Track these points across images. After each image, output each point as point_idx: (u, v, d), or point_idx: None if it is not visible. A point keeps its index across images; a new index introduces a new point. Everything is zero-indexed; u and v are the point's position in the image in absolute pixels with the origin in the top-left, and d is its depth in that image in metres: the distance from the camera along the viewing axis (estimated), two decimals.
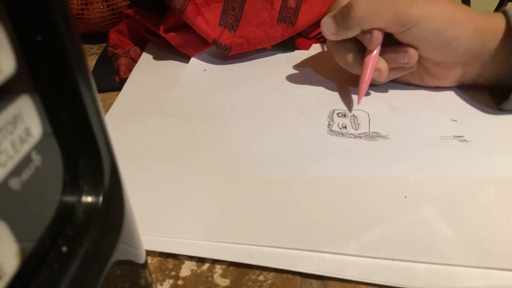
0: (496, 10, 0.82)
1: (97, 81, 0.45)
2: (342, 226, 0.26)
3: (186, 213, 0.28)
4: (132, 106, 0.41)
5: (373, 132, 0.34)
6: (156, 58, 0.49)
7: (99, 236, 0.15)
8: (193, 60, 0.47)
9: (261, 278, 0.25)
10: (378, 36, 0.35)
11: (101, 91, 0.45)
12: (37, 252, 0.12)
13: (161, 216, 0.28)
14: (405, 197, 0.28)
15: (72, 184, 0.14)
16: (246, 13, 0.45)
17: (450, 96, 0.38)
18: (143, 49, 0.51)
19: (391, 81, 0.40)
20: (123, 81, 0.45)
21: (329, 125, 0.36)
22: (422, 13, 0.33)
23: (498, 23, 0.33)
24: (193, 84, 0.44)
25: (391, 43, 0.36)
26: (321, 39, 0.49)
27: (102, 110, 0.14)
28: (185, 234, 0.27)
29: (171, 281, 0.25)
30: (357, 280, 0.24)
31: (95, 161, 0.15)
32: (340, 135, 0.34)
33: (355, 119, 0.36)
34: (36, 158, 0.12)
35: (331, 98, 0.39)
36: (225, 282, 0.25)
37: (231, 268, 0.25)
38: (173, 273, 0.26)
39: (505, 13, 0.33)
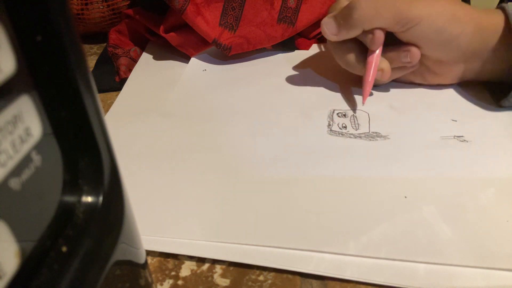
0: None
1: (97, 81, 0.45)
2: (342, 226, 0.26)
3: (186, 213, 0.28)
4: (132, 106, 0.41)
5: (373, 132, 0.34)
6: (156, 58, 0.49)
7: (99, 236, 0.15)
8: (193, 60, 0.47)
9: (261, 278, 0.25)
10: (380, 36, 0.35)
11: (101, 91, 0.45)
12: (37, 252, 0.12)
13: (161, 216, 0.28)
14: (405, 197, 0.28)
15: (72, 184, 0.14)
16: (246, 13, 0.45)
17: (450, 96, 0.38)
18: (143, 49, 0.51)
19: (392, 81, 0.40)
20: (123, 81, 0.45)
21: (329, 125, 0.36)
22: (423, 13, 0.33)
23: (498, 20, 0.33)
24: (193, 84, 0.44)
25: (392, 42, 0.36)
26: (322, 39, 0.49)
27: (102, 110, 0.14)
28: (185, 234, 0.27)
29: (171, 281, 0.25)
30: (357, 280, 0.24)
31: (95, 161, 0.15)
32: (340, 135, 0.34)
33: (355, 119, 0.36)
34: (36, 158, 0.12)
35: (331, 98, 0.39)
36: (225, 282, 0.25)
37: (231, 268, 0.25)
38: (173, 273, 0.26)
39: (503, 10, 0.34)
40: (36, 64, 0.12)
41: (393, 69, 0.37)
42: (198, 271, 0.25)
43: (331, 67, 0.43)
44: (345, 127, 0.35)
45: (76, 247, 0.13)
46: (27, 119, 0.12)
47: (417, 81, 0.39)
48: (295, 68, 0.44)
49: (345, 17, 0.35)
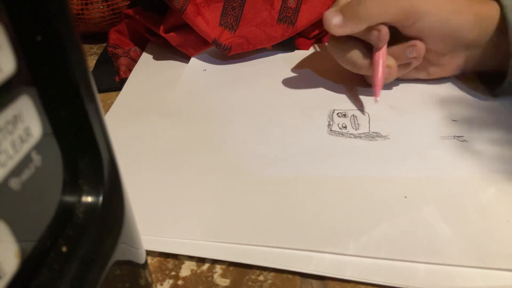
0: None
1: (97, 81, 0.45)
2: (342, 226, 0.26)
3: (186, 213, 0.28)
4: (132, 106, 0.41)
5: (373, 132, 0.34)
6: (156, 58, 0.49)
7: (99, 236, 0.15)
8: (193, 60, 0.47)
9: (261, 278, 0.25)
10: (387, 32, 0.35)
11: (101, 91, 0.45)
12: (37, 252, 0.12)
13: (161, 216, 0.28)
14: (405, 197, 0.28)
15: (72, 184, 0.14)
16: (246, 13, 0.45)
17: (451, 97, 0.38)
18: (143, 49, 0.51)
19: (395, 79, 0.40)
20: (123, 81, 0.45)
21: (329, 125, 0.36)
22: (428, 6, 0.34)
23: (494, 10, 0.34)
24: (193, 84, 0.44)
25: (391, 40, 0.36)
26: (322, 39, 0.49)
27: (102, 110, 0.14)
28: (185, 234, 0.27)
29: (171, 281, 0.25)
30: (357, 280, 0.24)
31: (95, 161, 0.15)
32: (340, 135, 0.34)
33: (355, 119, 0.36)
34: (36, 158, 0.12)
35: (331, 98, 0.39)
36: (225, 282, 0.25)
37: (231, 268, 0.25)
38: (173, 273, 0.26)
39: (497, 1, 0.34)
40: (36, 64, 0.12)
41: (398, 66, 0.37)
42: (198, 271, 0.25)
43: (331, 67, 0.43)
44: (345, 127, 0.35)
45: (76, 247, 0.13)
46: (27, 119, 0.12)
47: (420, 76, 0.39)
48: (295, 68, 0.44)
49: (352, 11, 0.34)
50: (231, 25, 0.45)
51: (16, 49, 0.11)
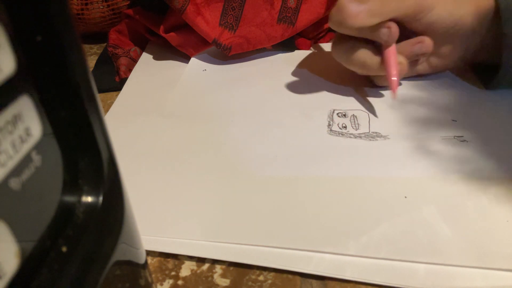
0: None
1: (97, 81, 0.45)
2: (342, 226, 0.26)
3: (186, 213, 0.28)
4: (132, 106, 0.41)
5: (373, 132, 0.34)
6: (156, 58, 0.49)
7: (99, 236, 0.15)
8: (193, 60, 0.47)
9: (261, 278, 0.25)
10: (397, 28, 0.35)
11: (101, 91, 0.45)
12: (37, 252, 0.12)
13: (161, 216, 0.28)
14: (405, 197, 0.28)
15: (72, 184, 0.14)
16: (246, 13, 0.45)
17: (451, 96, 0.38)
18: (143, 49, 0.51)
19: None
20: (123, 81, 0.45)
21: (329, 125, 0.36)
22: None
23: (490, 1, 0.35)
24: (193, 84, 0.44)
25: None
26: (322, 40, 0.49)
27: (102, 110, 0.14)
28: (185, 234, 0.27)
29: (171, 281, 0.25)
30: (357, 280, 0.24)
31: (95, 161, 0.15)
32: (340, 135, 0.34)
33: (355, 119, 0.36)
34: (36, 158, 0.12)
35: (331, 98, 0.39)
36: (225, 282, 0.25)
37: (231, 268, 0.25)
38: (173, 273, 0.26)
39: None
40: (36, 64, 0.12)
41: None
42: (198, 271, 0.25)
43: (331, 67, 0.43)
44: (345, 127, 0.35)
45: (76, 247, 0.13)
46: (27, 119, 0.12)
47: (426, 72, 0.39)
48: (295, 68, 0.44)
49: (370, 4, 0.34)
50: (231, 25, 0.45)
51: (16, 49, 0.11)
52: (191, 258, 0.26)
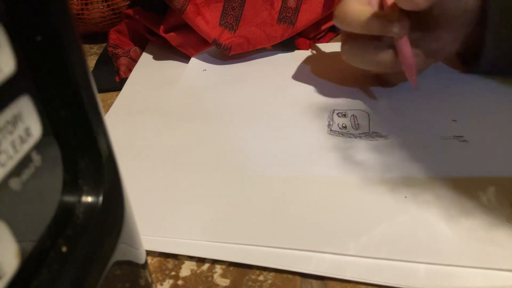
0: None
1: (97, 81, 0.45)
2: (342, 226, 0.26)
3: (186, 213, 0.28)
4: (132, 106, 0.41)
5: (373, 132, 0.34)
6: (156, 58, 0.49)
7: (99, 236, 0.15)
8: (193, 60, 0.47)
9: (261, 278, 0.25)
10: (406, 19, 0.33)
11: (101, 91, 0.45)
12: (37, 252, 0.12)
13: (161, 216, 0.28)
14: (405, 197, 0.28)
15: (72, 184, 0.14)
16: (246, 13, 0.45)
17: (451, 96, 0.38)
18: (143, 49, 0.51)
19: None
20: (123, 81, 0.45)
21: (329, 125, 0.36)
22: None
23: None
24: (193, 84, 0.44)
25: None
26: (321, 40, 0.49)
27: (102, 110, 0.14)
28: (185, 234, 0.27)
29: (171, 281, 0.25)
30: (357, 280, 0.24)
31: (95, 161, 0.15)
32: (340, 135, 0.34)
33: (355, 119, 0.36)
34: (36, 158, 0.12)
35: (331, 98, 0.39)
36: (225, 282, 0.25)
37: (231, 268, 0.25)
38: (173, 273, 0.26)
39: None
40: (36, 64, 0.12)
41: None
42: (198, 271, 0.25)
43: (331, 67, 0.43)
44: (345, 127, 0.35)
45: (76, 247, 0.13)
46: (27, 119, 0.12)
47: (436, 61, 0.39)
48: (295, 68, 0.44)
49: None
50: (231, 25, 0.45)
51: (16, 49, 0.11)
52: (191, 258, 0.26)
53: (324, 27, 0.48)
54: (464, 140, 0.33)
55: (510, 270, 0.23)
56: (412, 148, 0.32)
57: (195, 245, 0.26)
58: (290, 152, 0.33)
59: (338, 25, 0.35)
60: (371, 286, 0.24)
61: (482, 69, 0.38)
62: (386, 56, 0.35)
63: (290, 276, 0.25)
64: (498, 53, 0.36)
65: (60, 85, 0.13)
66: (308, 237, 0.26)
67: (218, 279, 0.25)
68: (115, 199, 0.16)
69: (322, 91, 0.40)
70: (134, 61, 0.49)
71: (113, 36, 0.51)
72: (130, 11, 0.50)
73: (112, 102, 0.42)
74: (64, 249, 0.13)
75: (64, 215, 0.14)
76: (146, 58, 0.49)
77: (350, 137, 0.34)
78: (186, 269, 0.26)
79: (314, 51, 0.47)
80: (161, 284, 0.25)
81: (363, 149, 0.33)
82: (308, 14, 0.45)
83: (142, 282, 0.19)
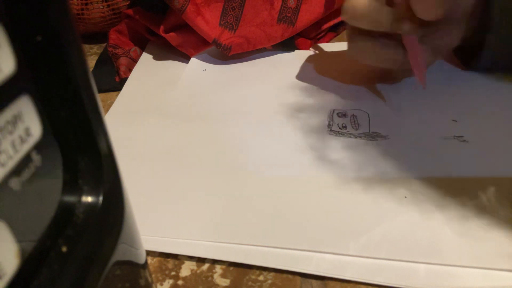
0: None
1: (97, 81, 0.45)
2: (342, 226, 0.26)
3: (186, 213, 0.28)
4: (132, 106, 0.41)
5: (373, 132, 0.34)
6: (156, 58, 0.49)
7: (99, 236, 0.15)
8: (193, 60, 0.47)
9: (261, 278, 0.25)
10: (415, 16, 0.33)
11: (101, 91, 0.45)
12: (37, 252, 0.12)
13: (161, 216, 0.28)
14: (405, 197, 0.28)
15: (72, 184, 0.14)
16: (246, 13, 0.45)
17: (451, 96, 0.38)
18: (143, 49, 0.51)
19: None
20: (123, 81, 0.45)
21: (329, 125, 0.36)
22: None
23: None
24: (193, 84, 0.44)
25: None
26: (321, 40, 0.49)
27: (102, 110, 0.14)
28: (185, 234, 0.27)
29: (171, 281, 0.25)
30: (357, 280, 0.24)
31: (95, 161, 0.15)
32: (340, 135, 0.34)
33: (355, 119, 0.36)
34: (36, 158, 0.12)
35: (331, 98, 0.39)
36: (225, 282, 0.25)
37: (231, 268, 0.25)
38: (173, 273, 0.26)
39: None
40: (36, 64, 0.12)
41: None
42: (198, 271, 0.25)
43: (332, 67, 0.43)
44: (345, 127, 0.35)
45: (76, 247, 0.13)
46: (27, 119, 0.12)
47: (442, 56, 0.39)
48: (295, 68, 0.44)
49: None
50: (231, 25, 0.45)
51: (16, 49, 0.11)
52: (191, 258, 0.26)
53: (324, 27, 0.48)
54: (464, 140, 0.33)
55: (510, 270, 0.23)
56: (412, 148, 0.32)
57: (195, 245, 0.26)
58: (290, 152, 0.33)
59: (346, 20, 0.35)
60: (371, 286, 0.24)
61: (482, 65, 0.38)
62: (394, 53, 0.35)
63: (290, 276, 0.25)
64: (499, 48, 0.36)
65: (60, 85, 0.13)
66: (308, 237, 0.26)
67: (218, 279, 0.25)
68: (115, 199, 0.16)
69: (322, 91, 0.40)
70: (134, 61, 0.49)
71: (113, 36, 0.51)
72: (130, 11, 0.50)
73: (112, 102, 0.42)
74: (64, 249, 0.13)
75: (64, 215, 0.14)
76: (146, 58, 0.49)
77: (350, 137, 0.34)
78: (186, 269, 0.26)
79: (314, 51, 0.47)
80: (161, 284, 0.25)
81: (363, 149, 0.33)
82: (308, 14, 0.45)
83: (142, 282, 0.19)
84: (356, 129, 0.35)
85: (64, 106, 0.13)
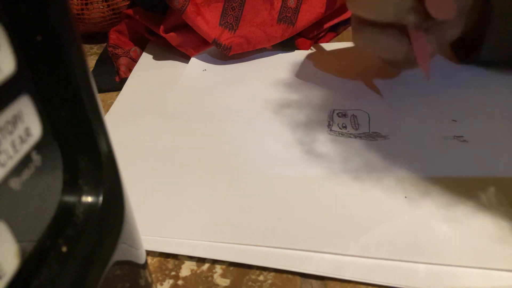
0: None
1: (97, 81, 0.45)
2: (342, 226, 0.26)
3: (186, 213, 0.28)
4: (132, 106, 0.41)
5: (373, 132, 0.34)
6: (156, 58, 0.49)
7: (99, 236, 0.15)
8: (193, 60, 0.47)
9: (261, 278, 0.25)
10: (421, 7, 0.33)
11: (101, 91, 0.45)
12: (37, 252, 0.12)
13: (161, 216, 0.28)
14: (405, 197, 0.28)
15: (72, 184, 0.14)
16: (246, 13, 0.45)
17: (451, 96, 0.38)
18: (143, 49, 0.51)
19: (395, 78, 0.40)
20: (123, 81, 0.45)
21: (329, 125, 0.36)
22: None
23: None
24: (193, 84, 0.44)
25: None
26: (321, 39, 0.49)
27: (102, 110, 0.14)
28: (185, 234, 0.27)
29: (171, 281, 0.25)
30: (357, 280, 0.24)
31: (95, 161, 0.15)
32: (340, 135, 0.34)
33: (355, 119, 0.36)
34: (36, 158, 0.12)
35: (331, 98, 0.39)
36: (225, 282, 0.25)
37: (231, 268, 0.25)
38: (173, 273, 0.26)
39: None
40: (36, 64, 0.12)
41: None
42: (198, 271, 0.25)
43: (332, 67, 0.43)
44: (345, 127, 0.35)
45: (76, 247, 0.13)
46: (27, 119, 0.12)
47: (441, 49, 0.38)
48: (295, 68, 0.44)
49: None
50: (231, 25, 0.45)
51: (16, 49, 0.11)
52: (191, 258, 0.26)
53: (324, 27, 0.48)
54: (464, 140, 0.33)
55: (510, 270, 0.23)
56: (412, 148, 0.32)
57: (195, 245, 0.26)
58: (290, 152, 0.33)
59: (351, 10, 0.35)
60: (371, 286, 0.24)
61: (481, 59, 0.38)
62: (398, 43, 0.35)
63: (290, 276, 0.25)
64: (498, 42, 0.36)
65: (60, 85, 0.13)
66: (308, 237, 0.26)
67: (218, 279, 0.25)
68: (115, 199, 0.16)
69: (322, 91, 0.40)
70: (134, 61, 0.49)
71: (113, 36, 0.51)
72: (130, 11, 0.50)
73: (112, 102, 0.42)
74: (64, 249, 0.13)
75: (64, 215, 0.14)
76: (146, 58, 0.49)
77: (350, 137, 0.34)
78: (186, 269, 0.26)
79: (314, 51, 0.47)
80: (161, 284, 0.25)
81: (363, 149, 0.33)
82: (308, 14, 0.45)
83: (142, 282, 0.19)
84: (356, 129, 0.35)
85: (64, 106, 0.13)
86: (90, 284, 0.14)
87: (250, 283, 0.25)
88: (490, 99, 0.37)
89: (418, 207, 0.27)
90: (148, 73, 0.46)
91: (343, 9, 0.48)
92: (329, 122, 0.36)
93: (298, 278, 0.25)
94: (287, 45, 0.48)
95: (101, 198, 0.15)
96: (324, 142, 0.34)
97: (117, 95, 0.43)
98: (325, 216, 0.27)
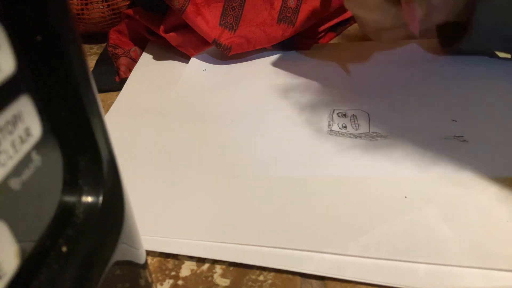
0: None
1: (97, 81, 0.45)
2: (342, 226, 0.26)
3: (186, 213, 0.28)
4: (132, 106, 0.41)
5: (373, 132, 0.34)
6: (156, 58, 0.49)
7: (99, 236, 0.15)
8: (193, 60, 0.47)
9: (261, 278, 0.25)
10: None
11: (101, 91, 0.45)
12: (37, 252, 0.12)
13: (161, 216, 0.28)
14: (405, 197, 0.28)
15: (72, 184, 0.14)
16: (246, 13, 0.45)
17: (451, 96, 0.38)
18: (143, 49, 0.51)
19: (392, 76, 0.39)
20: (123, 81, 0.45)
21: (329, 125, 0.36)
22: None
23: None
24: (193, 84, 0.44)
25: None
26: (321, 39, 0.49)
27: (102, 110, 0.14)
28: (185, 234, 0.27)
29: (171, 281, 0.25)
30: (357, 280, 0.24)
31: (95, 161, 0.15)
32: (340, 135, 0.34)
33: (355, 119, 0.36)
34: (36, 158, 0.12)
35: (331, 98, 0.39)
36: (225, 282, 0.25)
37: (231, 268, 0.25)
38: (173, 273, 0.26)
39: None
40: (36, 64, 0.12)
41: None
42: (198, 271, 0.25)
43: (332, 67, 0.43)
44: (345, 127, 0.35)
45: (76, 247, 0.13)
46: (27, 119, 0.12)
47: (434, 19, 0.39)
48: (295, 68, 0.44)
49: None
50: (231, 25, 0.45)
51: (16, 49, 0.11)
52: (191, 258, 0.26)
53: (324, 27, 0.48)
54: (464, 140, 0.33)
55: (510, 270, 0.23)
56: (412, 148, 0.32)
57: (195, 245, 0.26)
58: (290, 152, 0.33)
59: None
60: (371, 286, 0.24)
61: (467, 48, 0.39)
62: (389, 2, 0.36)
63: (290, 276, 0.25)
64: (483, 31, 0.37)
65: (60, 85, 0.13)
66: (308, 237, 0.26)
67: (218, 279, 0.25)
68: (115, 199, 0.16)
69: (322, 91, 0.40)
70: (134, 61, 0.49)
71: (113, 36, 0.51)
72: (130, 11, 0.50)
73: (112, 102, 0.42)
74: (64, 249, 0.13)
75: (64, 215, 0.14)
76: (146, 58, 0.49)
77: (350, 137, 0.34)
78: (186, 269, 0.26)
79: (314, 51, 0.47)
80: (161, 284, 0.25)
81: (363, 149, 0.33)
82: (308, 14, 0.45)
83: (142, 282, 0.19)
84: (356, 129, 0.35)
85: (64, 106, 0.13)
86: (90, 284, 0.14)
87: (250, 283, 0.25)
88: (490, 99, 0.37)
89: (418, 207, 0.27)
90: (148, 73, 0.46)
91: (342, 9, 0.48)
92: (329, 122, 0.36)
93: (298, 278, 0.25)
94: (287, 45, 0.48)
95: (101, 198, 0.15)
96: (324, 142, 0.34)
97: (117, 95, 0.43)
98: (325, 216, 0.27)
